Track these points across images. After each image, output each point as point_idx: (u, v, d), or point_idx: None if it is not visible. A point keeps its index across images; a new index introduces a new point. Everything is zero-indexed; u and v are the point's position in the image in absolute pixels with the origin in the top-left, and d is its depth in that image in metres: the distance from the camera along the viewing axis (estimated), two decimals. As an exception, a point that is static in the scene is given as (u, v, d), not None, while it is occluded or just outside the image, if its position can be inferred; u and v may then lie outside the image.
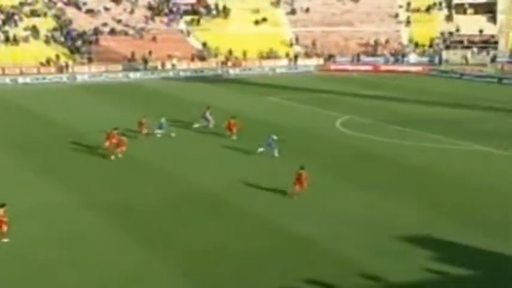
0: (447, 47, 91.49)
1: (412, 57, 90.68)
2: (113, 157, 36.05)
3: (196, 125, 43.73)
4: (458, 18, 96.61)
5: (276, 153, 35.83)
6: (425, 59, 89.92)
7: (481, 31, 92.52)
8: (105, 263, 22.65)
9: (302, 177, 29.26)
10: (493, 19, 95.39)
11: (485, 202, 29.18)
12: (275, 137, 36.01)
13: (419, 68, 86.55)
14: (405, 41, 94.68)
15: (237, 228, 25.74)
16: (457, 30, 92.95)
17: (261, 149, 36.28)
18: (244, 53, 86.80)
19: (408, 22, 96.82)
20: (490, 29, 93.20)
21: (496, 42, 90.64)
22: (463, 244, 23.94)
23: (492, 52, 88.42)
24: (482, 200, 29.54)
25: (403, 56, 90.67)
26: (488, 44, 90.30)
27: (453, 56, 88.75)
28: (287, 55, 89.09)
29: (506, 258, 22.95)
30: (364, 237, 24.66)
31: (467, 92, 66.62)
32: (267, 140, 35.90)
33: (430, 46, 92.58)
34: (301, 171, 29.61)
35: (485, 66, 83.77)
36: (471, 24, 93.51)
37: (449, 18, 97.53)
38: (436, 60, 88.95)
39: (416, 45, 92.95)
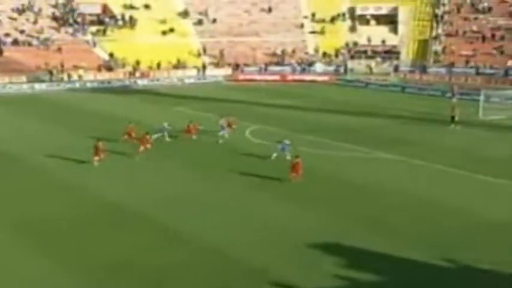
0: (352, 57, 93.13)
1: (319, 67, 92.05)
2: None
3: (154, 136, 43.30)
4: (361, 29, 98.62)
5: (288, 157, 36.71)
6: (331, 69, 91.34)
7: (383, 41, 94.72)
8: (8, 276, 21.97)
9: (298, 165, 32.25)
10: (395, 30, 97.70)
11: (392, 209, 29.45)
12: (288, 142, 37.91)
13: (325, 78, 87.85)
14: (311, 51, 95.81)
15: (146, 241, 25.16)
16: (369, 40, 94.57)
17: (275, 154, 37.80)
18: (152, 63, 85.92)
19: (314, 32, 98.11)
20: (392, 40, 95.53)
21: (398, 52, 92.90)
22: (372, 251, 24.10)
23: (395, 62, 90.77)
24: (390, 206, 29.78)
25: (310, 65, 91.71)
26: (390, 54, 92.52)
27: (358, 65, 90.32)
28: (195, 66, 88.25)
29: (412, 263, 23.20)
30: (276, 247, 24.55)
31: (372, 101, 67.71)
32: (281, 145, 37.60)
33: (336, 56, 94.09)
34: (297, 160, 32.55)
35: (388, 76, 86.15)
36: (374, 35, 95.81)
37: (353, 29, 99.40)
38: (342, 69, 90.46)
39: (324, 55, 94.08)
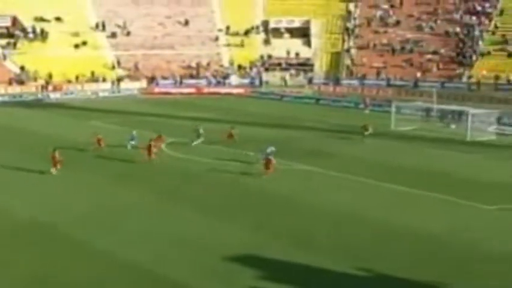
0: (266, 70, 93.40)
1: (234, 80, 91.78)
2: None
3: (129, 145, 44.83)
4: (275, 41, 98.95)
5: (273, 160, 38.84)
6: (246, 81, 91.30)
7: (297, 54, 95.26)
8: None
9: (271, 163, 36.17)
10: (308, 43, 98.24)
11: (310, 221, 29.36)
12: (274, 149, 39.23)
13: (241, 90, 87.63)
14: (226, 64, 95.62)
15: (61, 257, 24.53)
16: (288, 53, 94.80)
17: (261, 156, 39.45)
18: (65, 77, 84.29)
19: (228, 45, 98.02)
20: (306, 52, 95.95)
21: (312, 65, 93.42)
22: (291, 263, 24.04)
23: (309, 74, 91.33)
24: (308, 218, 29.76)
25: (225, 78, 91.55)
26: (304, 66, 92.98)
27: (273, 78, 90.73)
28: (110, 79, 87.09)
29: (331, 274, 23.27)
30: (195, 261, 24.19)
31: (287, 113, 67.85)
32: (264, 152, 38.86)
33: (251, 68, 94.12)
34: (270, 158, 36.49)
35: (303, 88, 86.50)
36: (288, 48, 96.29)
37: (267, 41, 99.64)
38: (257, 82, 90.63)
39: (239, 67, 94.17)
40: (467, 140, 51.52)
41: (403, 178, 37.36)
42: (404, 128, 56.07)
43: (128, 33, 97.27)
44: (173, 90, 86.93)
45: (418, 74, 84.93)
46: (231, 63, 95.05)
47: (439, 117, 60.76)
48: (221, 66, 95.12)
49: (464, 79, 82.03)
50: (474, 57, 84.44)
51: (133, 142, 44.40)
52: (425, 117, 60.81)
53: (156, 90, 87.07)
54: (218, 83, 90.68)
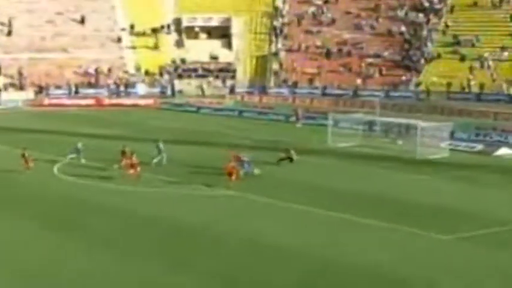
0: (180, 76, 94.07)
1: (141, 89, 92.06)
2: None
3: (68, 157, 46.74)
4: (190, 43, 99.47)
5: (257, 171, 44.83)
6: (156, 90, 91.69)
7: (216, 58, 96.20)
8: None
9: (234, 170, 40.45)
10: (229, 45, 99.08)
11: (228, 255, 29.77)
12: (247, 159, 43.82)
13: (149, 101, 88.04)
14: (131, 70, 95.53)
15: None
16: (212, 57, 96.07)
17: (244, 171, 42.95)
18: None
19: (133, 48, 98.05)
20: (226, 56, 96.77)
21: (234, 71, 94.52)
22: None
23: (230, 82, 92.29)
24: (226, 252, 30.14)
25: (130, 87, 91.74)
26: (225, 72, 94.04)
27: (187, 86, 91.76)
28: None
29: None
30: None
31: (205, 128, 68.58)
32: (246, 164, 43.44)
33: (161, 75, 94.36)
34: (232, 164, 41.17)
35: (223, 98, 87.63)
36: (205, 51, 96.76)
37: (179, 43, 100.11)
38: (169, 91, 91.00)
39: (147, 73, 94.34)
40: (417, 158, 52.37)
41: (339, 203, 37.99)
42: (343, 145, 56.97)
43: (9, 33, 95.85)
44: (67, 102, 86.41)
45: (358, 81, 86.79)
46: (137, 69, 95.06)
47: (384, 131, 61.64)
48: (125, 72, 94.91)
49: (412, 87, 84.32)
50: (422, 61, 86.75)
51: (72, 155, 47.11)
52: (368, 131, 61.52)
53: (47, 101, 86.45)
54: (121, 93, 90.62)
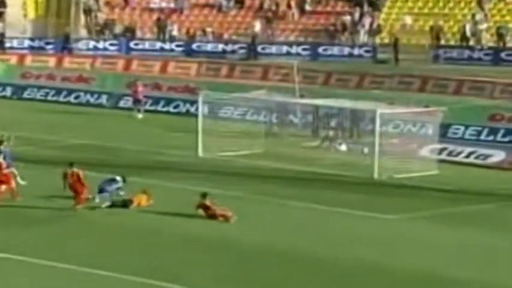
0: None
1: None
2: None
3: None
4: None
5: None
6: None
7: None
8: None
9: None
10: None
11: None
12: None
13: None
14: None
15: None
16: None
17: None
18: None
19: None
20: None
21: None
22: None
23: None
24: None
25: None
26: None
27: None
28: None
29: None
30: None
31: None
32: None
33: None
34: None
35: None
36: None
37: None
38: None
39: None
40: (375, 178, 47.43)
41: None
42: (226, 154, 50.36)
43: None
44: None
45: (257, 26, 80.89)
46: None
47: (308, 125, 58.02)
48: None
49: (363, 36, 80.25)
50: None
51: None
52: (278, 125, 58.01)
53: None
54: None
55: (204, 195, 40.92)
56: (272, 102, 57.64)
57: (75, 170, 40.43)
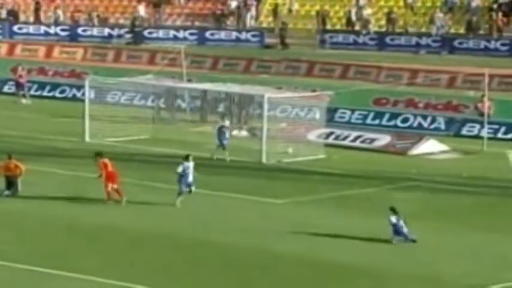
0: None
1: None
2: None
3: None
4: None
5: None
6: None
7: None
8: None
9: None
10: None
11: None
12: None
13: None
14: None
15: None
16: None
17: None
18: None
19: None
20: None
21: None
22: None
23: None
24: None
25: None
26: None
27: None
28: None
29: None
30: None
31: None
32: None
33: None
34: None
35: None
36: None
37: None
38: None
39: None
40: (264, 162, 47.47)
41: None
42: (117, 140, 50.33)
43: None
44: None
45: (141, 9, 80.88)
46: None
47: (201, 112, 57.62)
48: None
49: (249, 21, 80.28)
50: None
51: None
52: (166, 110, 57.92)
53: None
54: None
55: (99, 154, 41.46)
56: (160, 87, 57.63)
57: None
